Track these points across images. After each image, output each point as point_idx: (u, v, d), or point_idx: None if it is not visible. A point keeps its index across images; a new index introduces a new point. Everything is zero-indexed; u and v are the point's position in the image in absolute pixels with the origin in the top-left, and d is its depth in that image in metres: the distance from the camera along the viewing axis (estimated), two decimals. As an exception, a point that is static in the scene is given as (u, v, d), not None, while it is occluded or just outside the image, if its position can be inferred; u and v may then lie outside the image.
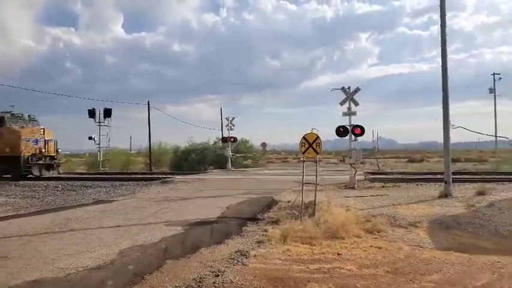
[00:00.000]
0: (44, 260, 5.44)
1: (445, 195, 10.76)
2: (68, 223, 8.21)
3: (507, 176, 16.68)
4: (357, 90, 14.51)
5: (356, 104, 14.42)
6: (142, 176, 21.60)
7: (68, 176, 22.39)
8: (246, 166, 31.51)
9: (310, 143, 8.24)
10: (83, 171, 29.78)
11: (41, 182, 18.69)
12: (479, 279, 4.61)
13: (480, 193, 10.57)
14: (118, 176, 21.99)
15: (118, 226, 7.75)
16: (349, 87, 14.48)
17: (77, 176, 22.64)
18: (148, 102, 32.81)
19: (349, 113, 14.35)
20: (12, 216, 9.48)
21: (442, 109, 11.32)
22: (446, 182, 11.14)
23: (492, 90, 34.42)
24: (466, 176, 16.56)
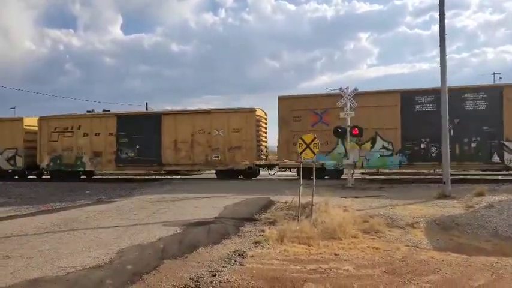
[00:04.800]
0: (44, 259, 5.49)
1: (444, 195, 10.75)
2: (67, 223, 8.25)
3: (507, 177, 16.66)
4: (354, 90, 14.54)
5: (354, 104, 14.45)
6: (141, 178, 21.65)
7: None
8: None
9: (308, 143, 8.26)
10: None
11: (42, 183, 18.75)
12: (477, 280, 4.62)
13: (479, 194, 10.52)
14: (117, 177, 22.03)
15: (116, 226, 7.78)
16: (346, 88, 14.51)
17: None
18: (146, 103, 32.97)
19: (347, 114, 14.37)
20: (13, 216, 9.54)
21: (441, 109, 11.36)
22: (444, 183, 11.15)
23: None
24: (465, 177, 16.54)
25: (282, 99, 18.13)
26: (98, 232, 7.29)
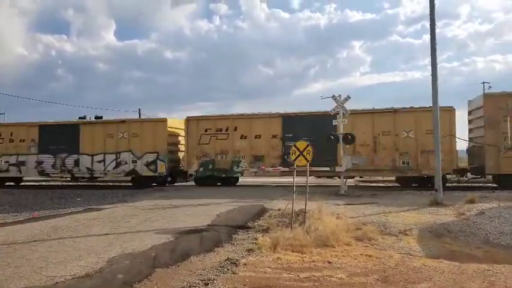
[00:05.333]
0: (32, 269, 5.39)
1: (436, 203, 10.82)
2: (56, 231, 8.12)
3: (497, 184, 16.80)
4: (347, 98, 14.63)
5: (347, 112, 14.54)
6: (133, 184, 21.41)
7: (58, 184, 22.15)
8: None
9: (301, 150, 8.28)
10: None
11: (31, 190, 18.47)
12: (469, 287, 4.63)
13: (470, 201, 10.62)
14: (108, 183, 21.79)
15: (107, 234, 7.67)
16: (339, 95, 14.61)
17: (66, 184, 22.35)
18: (139, 109, 32.86)
19: (340, 121, 14.45)
20: (1, 224, 9.36)
21: (432, 118, 11.49)
22: (436, 190, 11.23)
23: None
24: (457, 184, 16.66)
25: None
26: (88, 240, 7.18)
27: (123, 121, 19.61)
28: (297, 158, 8.35)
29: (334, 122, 14.68)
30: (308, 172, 8.51)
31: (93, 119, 21.50)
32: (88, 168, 19.39)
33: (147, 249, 6.39)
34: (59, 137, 19.72)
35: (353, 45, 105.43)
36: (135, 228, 8.21)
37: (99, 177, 20.20)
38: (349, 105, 14.93)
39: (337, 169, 14.80)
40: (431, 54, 11.38)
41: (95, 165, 19.27)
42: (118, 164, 19.12)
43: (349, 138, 14.42)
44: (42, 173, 20.13)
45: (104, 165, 19.25)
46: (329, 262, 5.57)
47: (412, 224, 8.18)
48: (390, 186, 17.90)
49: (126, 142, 19.03)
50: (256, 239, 6.89)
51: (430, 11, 11.40)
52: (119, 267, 5.42)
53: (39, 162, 19.89)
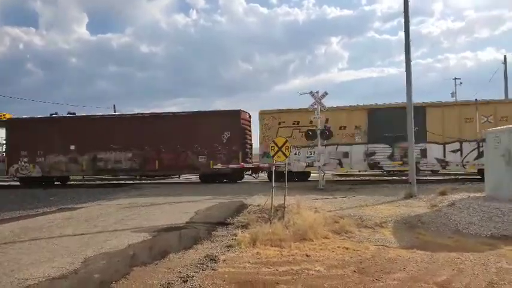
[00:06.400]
0: (3, 271, 5.21)
1: (410, 196, 11.15)
2: (28, 232, 7.86)
3: (469, 177, 17.44)
4: (324, 94, 14.85)
5: (324, 108, 14.74)
6: (111, 182, 20.99)
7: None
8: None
9: (280, 146, 8.34)
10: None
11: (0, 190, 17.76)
12: (440, 275, 4.80)
13: (442, 193, 10.99)
14: (85, 182, 21.26)
15: (82, 234, 7.49)
16: (317, 92, 14.79)
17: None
18: (114, 105, 32.16)
19: (317, 117, 14.63)
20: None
21: (406, 113, 11.80)
22: (410, 183, 11.57)
23: (454, 94, 36.45)
24: (431, 178, 17.20)
25: None
26: (63, 240, 6.99)
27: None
28: (275, 153, 8.40)
29: (312, 118, 14.81)
30: (286, 168, 8.58)
31: (65, 115, 20.95)
32: (439, 160, 16.48)
33: (124, 248, 6.28)
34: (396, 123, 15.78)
35: (331, 41, 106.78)
36: (111, 227, 8.04)
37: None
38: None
39: (315, 164, 14.98)
40: (405, 52, 11.67)
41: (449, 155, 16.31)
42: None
43: (326, 134, 14.62)
44: (375, 166, 17.16)
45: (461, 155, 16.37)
46: (307, 255, 5.64)
47: (387, 216, 8.40)
48: (367, 180, 18.28)
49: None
50: (235, 235, 6.89)
51: (404, 10, 11.67)
52: (95, 267, 5.30)
53: (370, 154, 17.06)
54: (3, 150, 20.77)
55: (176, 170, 19.24)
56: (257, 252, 5.77)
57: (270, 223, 7.36)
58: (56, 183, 19.94)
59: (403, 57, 11.68)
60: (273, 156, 8.47)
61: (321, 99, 14.63)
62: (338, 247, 6.10)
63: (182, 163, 18.19)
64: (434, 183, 14.18)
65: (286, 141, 8.43)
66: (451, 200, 9.74)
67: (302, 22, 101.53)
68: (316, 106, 14.59)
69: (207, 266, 5.23)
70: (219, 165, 17.77)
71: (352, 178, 19.81)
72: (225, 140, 17.97)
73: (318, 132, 14.58)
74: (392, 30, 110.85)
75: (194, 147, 18.13)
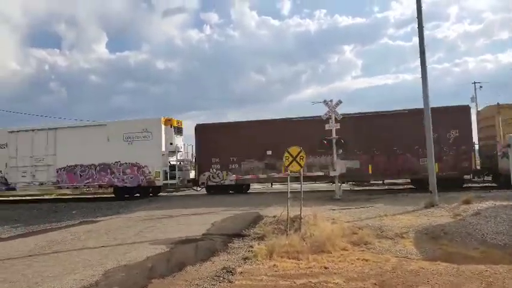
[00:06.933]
0: (27, 284, 5.36)
1: (431, 205, 10.82)
2: (52, 245, 8.06)
3: (492, 184, 16.88)
4: (338, 102, 14.72)
5: (338, 116, 14.60)
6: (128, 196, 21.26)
7: (53, 197, 21.98)
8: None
9: (294, 156, 8.29)
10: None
11: (25, 205, 18.29)
12: (467, 289, 4.63)
13: (466, 202, 10.62)
14: (103, 195, 21.64)
15: (103, 246, 7.61)
16: (331, 100, 14.69)
17: (61, 197, 22.20)
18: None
19: (332, 126, 14.50)
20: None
21: (424, 120, 11.56)
22: (431, 192, 11.25)
23: (474, 99, 35.36)
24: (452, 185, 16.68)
25: None
26: (84, 253, 7.13)
27: None
28: (290, 163, 8.35)
29: (327, 127, 14.62)
30: (302, 178, 8.50)
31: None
32: None
33: (142, 260, 6.34)
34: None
35: (344, 50, 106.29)
36: (130, 240, 8.14)
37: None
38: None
39: (331, 173, 14.78)
40: (420, 58, 11.50)
41: None
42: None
43: (341, 143, 14.46)
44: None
45: None
46: (325, 268, 5.54)
47: (408, 226, 8.17)
48: (385, 189, 17.90)
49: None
50: (251, 246, 6.85)
51: (418, 15, 11.54)
52: (115, 279, 5.38)
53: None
54: (180, 157, 19.26)
55: (391, 174, 17.10)
56: (274, 265, 5.71)
57: (287, 235, 7.28)
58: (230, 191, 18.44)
59: (418, 63, 11.50)
60: (288, 165, 8.42)
61: (335, 108, 14.52)
62: (357, 259, 5.97)
63: (400, 167, 16.44)
64: (457, 192, 13.74)
65: (301, 150, 8.37)
66: (476, 209, 9.39)
67: (314, 32, 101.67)
68: (330, 115, 14.48)
69: (224, 278, 5.21)
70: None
71: (370, 188, 19.45)
72: (451, 140, 16.23)
73: (334, 141, 14.44)
74: (406, 36, 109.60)
75: (414, 149, 16.27)
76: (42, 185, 19.67)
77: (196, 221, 10.24)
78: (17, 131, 19.85)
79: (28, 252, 7.44)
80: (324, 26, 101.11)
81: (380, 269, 5.49)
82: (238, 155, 17.98)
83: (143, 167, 18.31)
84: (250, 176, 17.20)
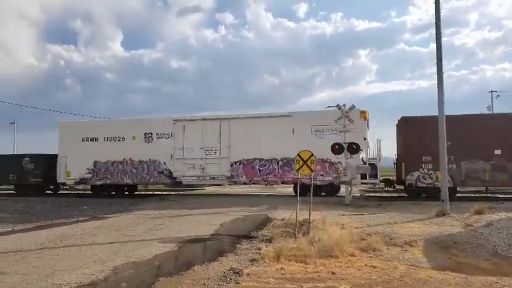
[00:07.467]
0: (38, 276, 5.45)
1: (442, 214, 10.70)
2: (63, 239, 8.20)
3: (506, 195, 16.56)
4: (352, 107, 14.66)
5: (351, 121, 14.54)
6: (139, 193, 21.54)
7: (65, 192, 22.34)
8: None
9: (305, 160, 8.29)
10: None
11: (38, 198, 18.64)
12: (475, 300, 4.57)
13: (478, 212, 10.48)
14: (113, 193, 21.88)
15: (112, 242, 7.71)
16: (344, 105, 14.63)
17: (73, 192, 22.54)
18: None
19: (345, 130, 14.44)
20: (9, 232, 9.47)
21: (438, 128, 11.43)
22: (443, 201, 11.11)
23: (490, 108, 34.79)
24: (464, 195, 16.46)
25: None
26: (94, 248, 7.23)
27: None
28: (301, 167, 8.35)
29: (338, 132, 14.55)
30: (312, 182, 8.49)
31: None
32: None
33: (151, 257, 6.41)
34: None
35: (359, 54, 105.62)
36: (139, 237, 8.24)
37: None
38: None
39: (342, 179, 14.70)
40: (437, 64, 11.38)
41: None
42: None
43: (353, 148, 14.39)
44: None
45: None
46: (333, 273, 5.53)
47: (417, 234, 8.09)
48: (395, 196, 17.73)
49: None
50: (259, 248, 6.87)
51: (436, 21, 11.43)
52: (124, 275, 5.45)
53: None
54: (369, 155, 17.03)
55: None
56: (281, 268, 5.72)
57: (295, 238, 7.28)
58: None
59: (434, 69, 11.38)
60: (298, 169, 8.42)
61: (348, 113, 14.46)
62: (365, 265, 5.93)
63: None
64: (469, 201, 13.52)
65: (312, 154, 8.37)
66: (488, 220, 9.25)
67: (329, 35, 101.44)
68: (342, 119, 14.43)
69: (231, 279, 5.24)
70: None
71: (381, 194, 19.28)
72: None
73: (345, 145, 14.37)
74: (423, 42, 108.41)
75: None
76: (213, 179, 18.08)
77: (206, 220, 10.31)
78: (184, 120, 18.46)
79: (40, 245, 7.58)
80: (340, 29, 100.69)
81: (388, 276, 5.45)
82: (456, 153, 14.99)
83: (336, 164, 16.56)
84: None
